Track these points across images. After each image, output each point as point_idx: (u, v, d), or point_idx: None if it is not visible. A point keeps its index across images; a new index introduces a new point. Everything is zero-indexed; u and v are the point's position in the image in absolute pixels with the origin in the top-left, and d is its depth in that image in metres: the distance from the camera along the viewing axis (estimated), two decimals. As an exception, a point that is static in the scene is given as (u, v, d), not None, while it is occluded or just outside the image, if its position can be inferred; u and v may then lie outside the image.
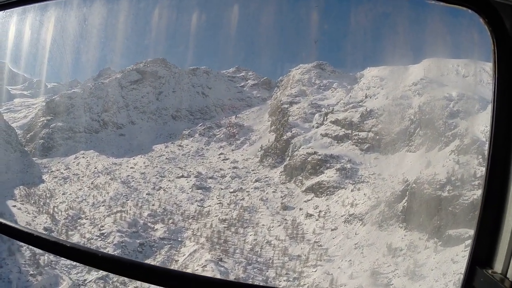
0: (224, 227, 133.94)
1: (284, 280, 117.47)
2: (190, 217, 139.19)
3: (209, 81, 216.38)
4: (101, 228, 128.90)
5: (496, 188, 2.17)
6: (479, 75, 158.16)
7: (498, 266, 2.10)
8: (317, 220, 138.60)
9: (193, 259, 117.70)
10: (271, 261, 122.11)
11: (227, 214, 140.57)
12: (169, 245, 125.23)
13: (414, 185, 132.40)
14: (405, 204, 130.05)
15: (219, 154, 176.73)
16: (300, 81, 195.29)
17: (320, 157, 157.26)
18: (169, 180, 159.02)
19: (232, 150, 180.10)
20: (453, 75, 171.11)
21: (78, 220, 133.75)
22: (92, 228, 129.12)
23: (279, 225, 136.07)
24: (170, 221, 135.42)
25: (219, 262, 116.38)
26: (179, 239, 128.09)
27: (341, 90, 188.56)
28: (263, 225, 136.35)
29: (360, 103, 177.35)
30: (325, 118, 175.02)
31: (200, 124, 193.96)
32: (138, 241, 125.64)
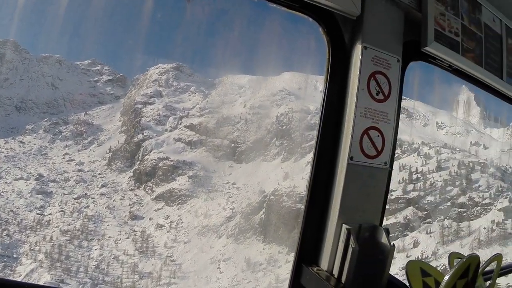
0: (66, 240, 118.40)
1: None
2: (28, 227, 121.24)
3: (61, 72, 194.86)
4: None
5: (320, 190, 2.28)
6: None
7: (324, 264, 2.20)
8: (168, 231, 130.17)
9: (30, 280, 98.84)
10: (119, 280, 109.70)
11: (69, 224, 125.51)
12: (3, 263, 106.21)
13: (272, 196, 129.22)
14: (263, 216, 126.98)
15: (63, 154, 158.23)
16: (157, 81, 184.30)
17: (172, 163, 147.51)
18: (5, 183, 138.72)
19: (79, 150, 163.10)
20: (312, 89, 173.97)
21: None
22: None
23: (127, 237, 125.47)
24: (4, 232, 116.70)
25: (60, 284, 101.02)
26: (15, 255, 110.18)
27: (198, 94, 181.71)
28: (109, 237, 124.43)
29: (217, 109, 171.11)
30: (180, 122, 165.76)
31: (46, 119, 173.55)
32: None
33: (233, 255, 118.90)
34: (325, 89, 2.34)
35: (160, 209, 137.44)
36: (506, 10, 2.87)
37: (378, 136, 2.29)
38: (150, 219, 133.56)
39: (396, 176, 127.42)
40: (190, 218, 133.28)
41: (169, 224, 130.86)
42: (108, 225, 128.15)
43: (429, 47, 2.36)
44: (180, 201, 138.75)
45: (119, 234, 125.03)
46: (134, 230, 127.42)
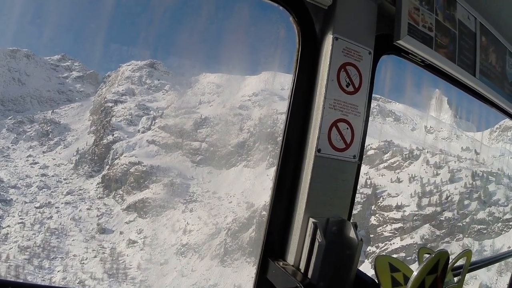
0: (25, 259, 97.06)
1: None
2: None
3: (29, 67, 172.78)
4: None
5: (287, 182, 2.19)
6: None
7: (291, 258, 2.11)
8: (142, 249, 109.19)
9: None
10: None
11: (29, 239, 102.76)
12: None
13: (264, 212, 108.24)
14: (253, 234, 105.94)
15: (27, 156, 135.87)
16: (130, 78, 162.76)
17: (145, 169, 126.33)
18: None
19: (43, 152, 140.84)
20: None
21: None
22: None
23: (95, 256, 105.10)
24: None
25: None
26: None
27: (173, 93, 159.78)
28: (74, 255, 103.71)
29: (194, 109, 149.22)
30: (153, 122, 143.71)
31: (10, 117, 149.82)
32: None
33: (219, 281, 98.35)
34: (294, 80, 2.19)
35: (132, 221, 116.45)
36: (481, 8, 2.80)
37: (347, 128, 2.17)
38: (121, 233, 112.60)
39: (407, 188, 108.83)
40: (166, 233, 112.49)
41: (143, 239, 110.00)
42: (73, 240, 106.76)
43: (402, 41, 2.25)
44: (154, 213, 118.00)
45: (86, 252, 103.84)
46: (102, 247, 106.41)
